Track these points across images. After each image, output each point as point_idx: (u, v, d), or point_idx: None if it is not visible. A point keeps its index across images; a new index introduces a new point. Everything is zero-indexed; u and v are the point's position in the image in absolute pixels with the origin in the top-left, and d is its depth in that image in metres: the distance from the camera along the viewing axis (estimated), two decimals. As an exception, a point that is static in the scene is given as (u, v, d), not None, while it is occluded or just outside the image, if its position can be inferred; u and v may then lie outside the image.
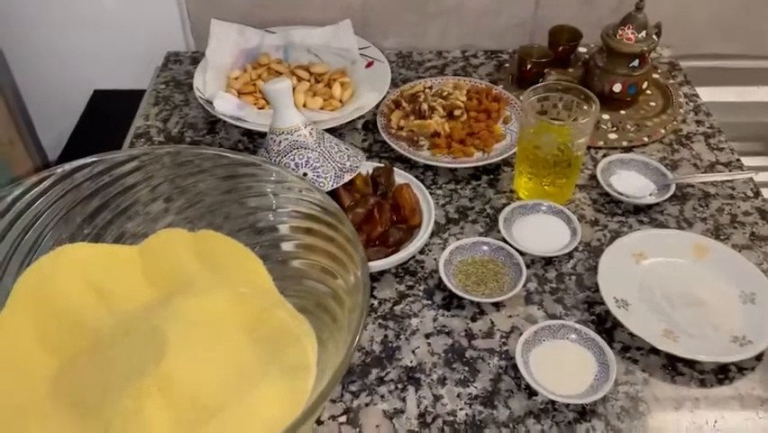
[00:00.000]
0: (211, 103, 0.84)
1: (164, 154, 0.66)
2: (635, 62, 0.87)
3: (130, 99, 0.98)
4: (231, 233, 0.66)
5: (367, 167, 0.77)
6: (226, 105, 0.83)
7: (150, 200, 0.67)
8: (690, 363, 0.62)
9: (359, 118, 0.88)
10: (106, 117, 1.04)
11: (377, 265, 0.68)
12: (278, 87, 0.72)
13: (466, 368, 0.62)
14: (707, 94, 0.96)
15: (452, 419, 0.58)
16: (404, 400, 0.59)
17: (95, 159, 0.63)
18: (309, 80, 0.92)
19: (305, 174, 0.72)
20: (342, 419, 0.58)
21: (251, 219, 0.67)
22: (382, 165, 0.77)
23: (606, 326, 0.65)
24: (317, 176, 0.72)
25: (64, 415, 0.52)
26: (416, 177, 0.78)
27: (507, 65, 1.01)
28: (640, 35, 0.85)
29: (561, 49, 0.94)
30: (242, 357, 0.55)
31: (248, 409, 0.51)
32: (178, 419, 0.50)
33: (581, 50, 0.98)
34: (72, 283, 0.59)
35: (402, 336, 0.64)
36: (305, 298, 0.60)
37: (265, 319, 0.59)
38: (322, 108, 0.88)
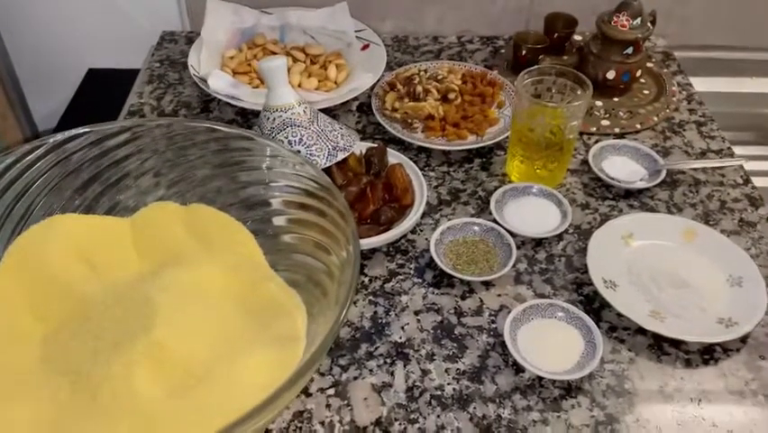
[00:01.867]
0: (205, 81, 0.84)
1: (156, 127, 0.66)
2: (630, 50, 0.87)
3: (124, 78, 0.98)
4: (223, 207, 0.66)
5: (361, 147, 0.77)
6: (220, 83, 0.83)
7: (142, 173, 0.67)
8: (676, 344, 0.62)
9: (353, 100, 0.89)
10: (100, 96, 1.03)
11: (368, 243, 0.68)
12: (272, 65, 0.72)
13: (454, 344, 0.62)
14: (700, 84, 0.96)
15: (439, 393, 0.58)
16: (392, 374, 0.59)
17: (87, 129, 0.63)
18: (305, 61, 0.92)
19: (298, 152, 0.72)
20: (331, 391, 0.58)
21: (243, 194, 0.67)
22: (376, 145, 0.77)
23: (594, 306, 0.66)
24: (310, 154, 0.72)
25: (53, 380, 0.52)
26: (410, 159, 0.78)
27: (502, 51, 1.01)
28: (635, 22, 0.85)
29: (556, 36, 0.95)
30: (233, 327, 0.56)
31: (236, 376, 0.52)
32: (167, 385, 0.51)
33: (577, 37, 0.98)
34: (63, 252, 0.59)
35: (392, 313, 0.65)
36: (296, 272, 0.61)
37: (256, 292, 0.60)
38: (317, 89, 0.88)
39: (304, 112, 0.73)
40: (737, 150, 0.86)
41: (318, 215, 0.58)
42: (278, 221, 0.65)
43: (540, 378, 0.59)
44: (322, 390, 0.58)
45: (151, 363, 0.51)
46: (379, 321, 0.64)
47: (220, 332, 0.55)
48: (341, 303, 0.49)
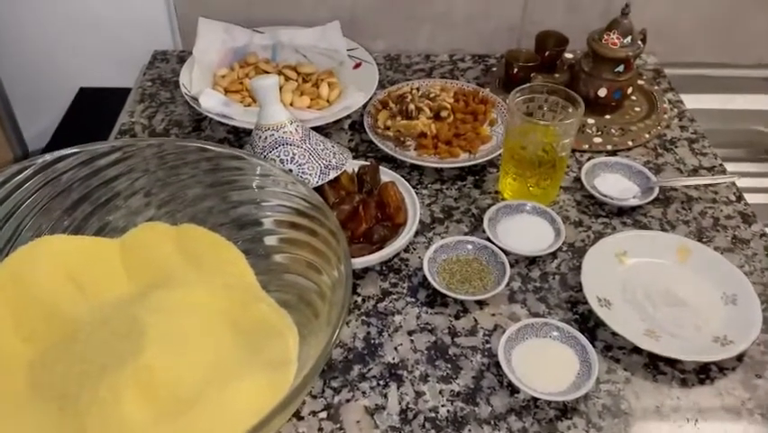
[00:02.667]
0: (197, 100, 0.84)
1: (147, 146, 0.65)
2: (621, 67, 0.87)
3: (116, 97, 0.98)
4: (214, 227, 0.66)
5: (353, 166, 0.77)
6: (212, 102, 0.83)
7: (132, 193, 0.66)
8: (672, 363, 0.62)
9: (346, 118, 0.88)
10: (91, 115, 1.03)
11: (361, 262, 0.67)
12: (264, 84, 0.72)
13: (448, 365, 0.61)
14: (691, 101, 0.97)
15: (433, 415, 0.57)
16: (385, 396, 0.59)
17: (76, 150, 0.63)
18: (297, 80, 0.92)
19: (290, 170, 0.71)
20: (323, 414, 0.57)
21: (235, 213, 0.67)
22: (368, 164, 0.77)
23: (588, 325, 0.65)
24: (302, 172, 0.71)
25: (40, 405, 0.51)
26: (403, 177, 0.78)
27: (494, 69, 1.01)
28: (625, 40, 0.86)
29: (547, 54, 0.95)
30: (223, 350, 0.55)
31: (226, 401, 0.51)
32: (156, 410, 0.50)
33: (568, 55, 0.98)
34: (51, 274, 0.59)
35: (385, 333, 0.64)
36: (287, 292, 0.60)
37: (247, 313, 0.59)
38: (309, 107, 0.88)
39: (296, 130, 0.73)
40: (728, 166, 0.86)
41: (310, 234, 0.58)
42: (270, 241, 0.64)
43: (535, 399, 0.58)
44: (314, 413, 0.57)
45: (140, 387, 0.50)
46: (372, 342, 0.63)
47: (210, 355, 0.54)
48: (332, 324, 0.49)
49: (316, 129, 0.83)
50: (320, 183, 0.72)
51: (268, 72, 0.92)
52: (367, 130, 0.85)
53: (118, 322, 0.55)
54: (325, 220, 0.56)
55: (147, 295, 0.58)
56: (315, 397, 0.58)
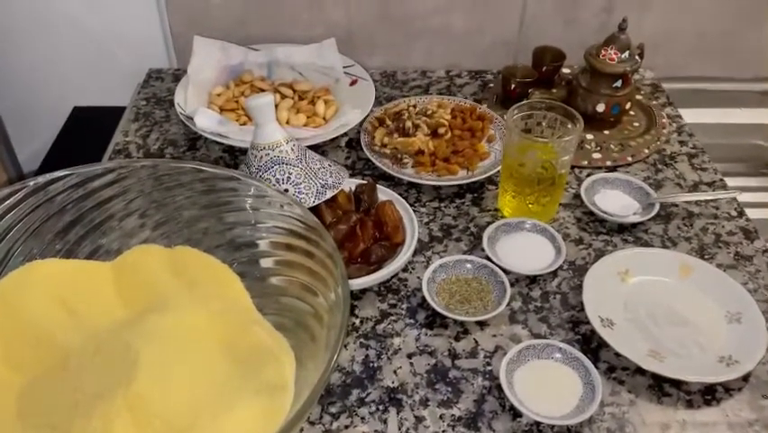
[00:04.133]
0: (191, 119, 0.83)
1: (140, 168, 0.64)
2: (619, 83, 0.87)
3: (110, 116, 0.97)
4: (209, 249, 0.65)
5: (350, 184, 0.76)
6: (207, 121, 0.82)
7: (127, 214, 0.65)
8: (677, 384, 0.61)
9: (342, 136, 0.88)
10: (86, 134, 1.02)
11: (358, 283, 0.66)
12: (259, 102, 0.71)
13: (449, 389, 0.60)
14: (689, 115, 0.96)
15: (434, 441, 0.56)
16: (385, 421, 0.57)
17: (68, 172, 0.62)
18: (293, 98, 0.91)
19: (286, 190, 0.70)
20: (321, 441, 0.56)
21: (230, 235, 0.65)
22: (365, 182, 0.76)
23: (591, 345, 0.64)
24: (299, 192, 0.70)
25: (28, 436, 0.49)
26: (400, 195, 0.77)
27: (491, 85, 1.01)
28: (623, 56, 0.85)
29: (545, 69, 0.95)
30: (218, 376, 0.53)
31: (220, 429, 0.49)
32: (149, 440, 0.48)
33: (565, 70, 0.98)
34: (41, 300, 0.57)
35: (384, 356, 0.63)
36: (284, 315, 0.59)
37: (242, 337, 0.57)
38: (305, 125, 0.87)
39: (292, 150, 0.72)
40: (729, 181, 0.85)
41: (306, 256, 0.57)
42: (266, 263, 0.63)
43: (538, 423, 0.57)
44: (312, 440, 0.56)
45: (132, 415, 0.49)
46: (371, 365, 0.62)
47: (204, 381, 0.52)
48: (331, 348, 0.48)
49: (313, 147, 0.82)
50: (317, 203, 0.71)
51: (263, 90, 0.91)
52: (364, 148, 0.84)
53: (110, 349, 0.54)
54: (322, 241, 0.55)
55: (140, 320, 0.57)
56: (312, 423, 0.57)
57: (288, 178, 0.71)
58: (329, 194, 0.72)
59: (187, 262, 0.63)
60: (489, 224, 0.75)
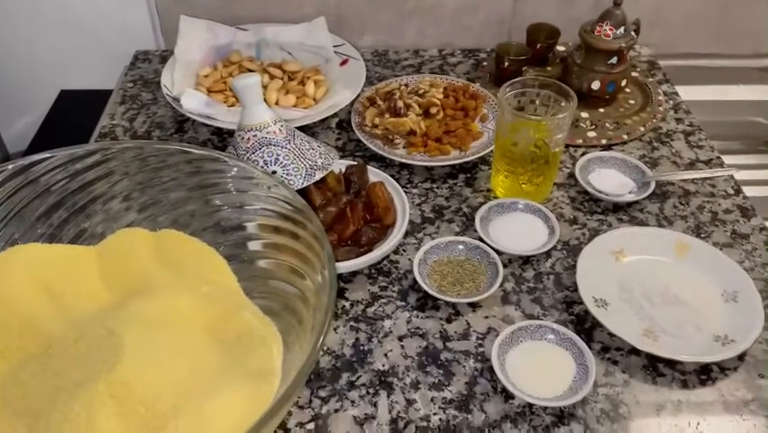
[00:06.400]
0: (178, 100, 0.81)
1: (124, 150, 0.63)
2: (614, 59, 0.85)
3: (98, 99, 0.95)
4: (196, 231, 0.64)
5: (340, 165, 0.75)
6: (194, 103, 0.81)
7: (112, 197, 0.64)
8: (672, 364, 0.60)
9: (333, 117, 0.86)
10: (73, 118, 1.00)
11: (348, 266, 0.65)
12: (246, 83, 0.69)
13: (440, 371, 0.59)
14: (686, 93, 0.95)
15: (425, 424, 0.55)
16: (375, 405, 0.56)
17: (49, 154, 0.60)
18: (282, 78, 0.90)
19: (274, 172, 0.69)
20: (311, 426, 0.55)
21: (217, 217, 0.64)
22: (355, 163, 0.75)
23: (585, 326, 0.63)
24: (287, 174, 0.69)
25: (10, 423, 0.48)
26: (392, 176, 0.76)
27: (484, 63, 0.99)
28: (618, 32, 0.84)
29: (539, 47, 0.93)
30: (204, 361, 0.53)
31: (207, 415, 0.48)
32: (133, 427, 0.47)
33: (560, 48, 0.96)
34: (24, 285, 0.56)
35: (374, 339, 0.62)
36: (271, 299, 0.58)
37: (230, 321, 0.57)
38: (295, 106, 0.86)
39: (280, 130, 0.71)
40: (726, 159, 0.84)
41: (293, 238, 0.56)
42: (254, 246, 0.62)
43: (531, 405, 0.56)
44: (301, 424, 0.55)
45: (115, 403, 0.48)
46: (361, 348, 0.61)
47: (190, 367, 0.51)
48: (317, 330, 0.47)
49: (303, 128, 0.81)
50: (305, 185, 0.69)
51: (252, 71, 0.90)
52: (354, 128, 0.83)
53: (94, 335, 0.53)
54: (308, 223, 0.54)
55: (125, 305, 0.56)
56: (302, 408, 0.56)
57: (277, 159, 0.69)
58: (318, 175, 0.70)
59: (173, 246, 0.61)
60: (481, 204, 0.74)
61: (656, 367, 0.60)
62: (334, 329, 0.62)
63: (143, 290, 0.58)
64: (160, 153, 0.63)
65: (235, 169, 0.61)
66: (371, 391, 0.57)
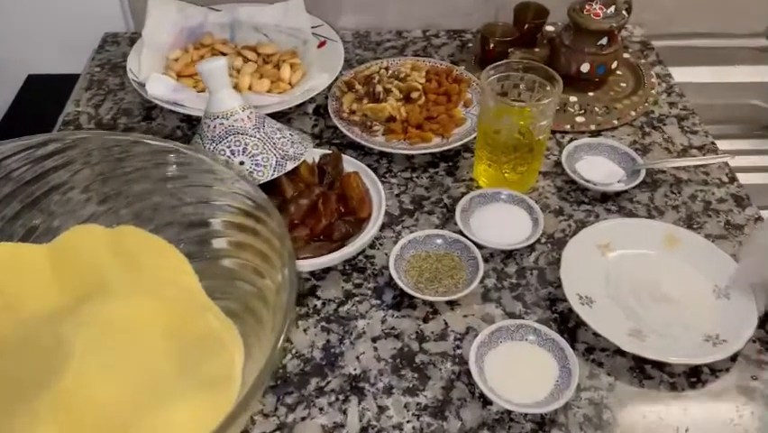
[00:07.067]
0: (144, 86, 0.77)
1: (79, 140, 0.59)
2: (604, 40, 0.81)
3: (67, 84, 0.91)
4: (159, 226, 0.60)
5: (314, 154, 0.71)
6: (160, 88, 0.77)
7: (71, 188, 0.60)
8: (660, 366, 0.57)
9: (309, 102, 0.82)
10: (40, 103, 0.96)
11: (319, 263, 0.62)
12: (211, 67, 0.65)
13: (415, 375, 0.56)
14: (680, 74, 0.91)
15: (397, 432, 0.52)
16: (345, 412, 0.53)
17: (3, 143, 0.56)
18: (256, 61, 0.85)
19: (242, 162, 0.65)
20: (276, 434, 0.52)
21: (182, 212, 0.60)
22: (329, 152, 0.71)
23: (569, 325, 0.60)
24: (256, 164, 0.65)
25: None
26: (370, 165, 0.72)
27: (470, 45, 0.95)
28: (608, 11, 0.79)
29: (526, 27, 0.89)
30: (160, 371, 0.49)
31: (161, 427, 0.45)
32: (78, 442, 0.44)
33: (548, 28, 0.92)
34: (-33, 287, 0.53)
35: (346, 340, 0.58)
36: (233, 300, 0.54)
37: (190, 325, 0.53)
38: (269, 91, 0.81)
39: (248, 118, 0.67)
40: (722, 144, 0.80)
41: (254, 235, 0.52)
42: (217, 243, 0.58)
43: (510, 411, 0.53)
44: (265, 433, 0.52)
45: (61, 415, 0.44)
46: (332, 351, 0.58)
47: (144, 377, 0.48)
48: (276, 333, 0.43)
49: (277, 114, 0.77)
50: (276, 176, 0.66)
51: (225, 54, 0.85)
52: (331, 115, 0.79)
53: (43, 339, 0.50)
54: (269, 220, 0.50)
55: (78, 308, 0.52)
56: (266, 416, 0.53)
57: (245, 149, 0.66)
58: (289, 166, 0.66)
59: (131, 244, 0.58)
60: (463, 194, 0.70)
61: (643, 369, 0.56)
62: (304, 330, 0.59)
63: (99, 291, 0.54)
64: (116, 144, 0.60)
65: (194, 160, 0.57)
66: (341, 397, 0.54)
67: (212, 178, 0.57)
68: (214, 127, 0.66)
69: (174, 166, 0.59)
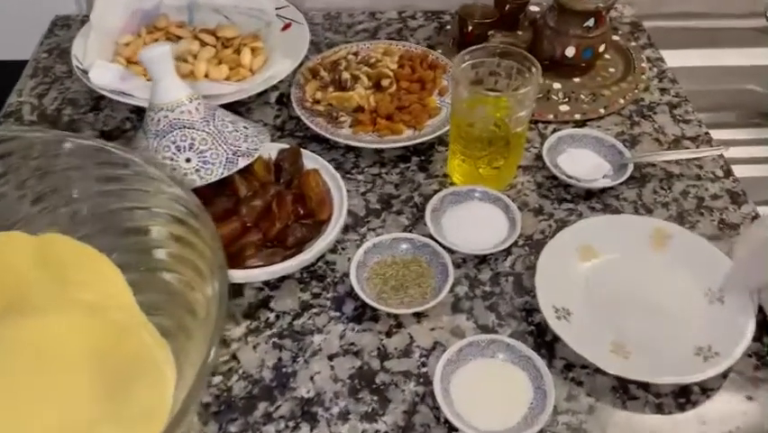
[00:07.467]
0: (88, 74, 0.71)
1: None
2: (591, 21, 0.75)
3: (15, 71, 0.84)
4: (93, 232, 0.54)
5: (271, 150, 0.65)
6: (106, 77, 0.70)
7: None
8: (645, 385, 0.51)
9: (272, 90, 0.76)
10: (-12, 92, 0.89)
11: (273, 271, 0.56)
12: (153, 54, 0.59)
13: (374, 397, 0.50)
14: (673, 58, 0.85)
15: (352, 464, 0.47)
16: (294, 441, 0.48)
17: None
18: (215, 46, 0.79)
19: (188, 159, 0.59)
20: (217, 467, 0.47)
21: (119, 218, 0.54)
22: (288, 147, 0.65)
23: (546, 338, 0.54)
24: (204, 161, 0.59)
25: None
26: (336, 159, 0.66)
27: (448, 27, 0.88)
28: (595, -10, 0.73)
29: (507, 8, 0.82)
30: (79, 405, 0.44)
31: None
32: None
33: (533, 8, 0.85)
34: None
35: (300, 359, 0.53)
36: (168, 317, 0.49)
37: (119, 345, 0.48)
38: (227, 79, 0.75)
39: (196, 109, 0.60)
40: (716, 133, 0.74)
41: (187, 245, 0.46)
42: (157, 253, 0.52)
43: (477, 439, 0.48)
44: (204, 467, 0.47)
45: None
46: (284, 370, 0.52)
47: (58, 409, 0.43)
48: (203, 355, 0.38)
49: (237, 104, 0.71)
50: (225, 174, 0.59)
51: (180, 37, 0.79)
52: (294, 104, 0.73)
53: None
54: (202, 228, 0.44)
55: (-10, 326, 0.47)
56: (206, 447, 0.48)
57: (191, 144, 0.59)
58: (242, 163, 0.60)
59: (58, 253, 0.52)
60: (436, 192, 0.64)
61: (627, 389, 0.51)
62: (254, 347, 0.53)
63: (16, 306, 0.48)
64: (60, 138, 0.54)
65: (126, 162, 0.51)
66: (291, 424, 0.49)
67: (146, 180, 0.51)
68: (158, 120, 0.60)
69: (108, 166, 0.54)
